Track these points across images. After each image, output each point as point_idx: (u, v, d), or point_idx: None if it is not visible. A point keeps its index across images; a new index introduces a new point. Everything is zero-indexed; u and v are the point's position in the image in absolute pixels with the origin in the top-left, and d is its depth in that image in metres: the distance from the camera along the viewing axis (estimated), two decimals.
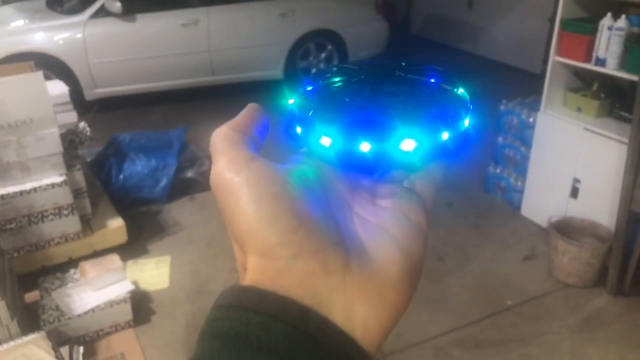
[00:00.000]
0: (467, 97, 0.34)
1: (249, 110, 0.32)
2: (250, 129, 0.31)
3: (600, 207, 2.69)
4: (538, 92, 3.60)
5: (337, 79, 0.35)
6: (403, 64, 0.36)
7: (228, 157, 0.29)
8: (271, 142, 0.35)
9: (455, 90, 0.34)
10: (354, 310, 0.26)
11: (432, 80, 0.35)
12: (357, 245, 0.28)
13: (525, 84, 5.44)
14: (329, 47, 5.41)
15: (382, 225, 0.29)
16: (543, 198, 3.07)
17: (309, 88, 0.35)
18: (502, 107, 3.38)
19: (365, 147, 0.30)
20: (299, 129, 0.32)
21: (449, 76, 0.35)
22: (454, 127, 0.31)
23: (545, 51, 5.81)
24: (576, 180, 2.82)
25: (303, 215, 0.27)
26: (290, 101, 0.34)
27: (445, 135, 0.31)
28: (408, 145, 0.30)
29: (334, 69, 0.36)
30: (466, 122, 0.32)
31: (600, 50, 2.58)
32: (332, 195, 0.30)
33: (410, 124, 0.30)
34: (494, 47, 6.50)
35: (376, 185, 0.32)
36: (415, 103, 0.32)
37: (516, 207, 3.31)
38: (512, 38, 6.23)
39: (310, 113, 0.32)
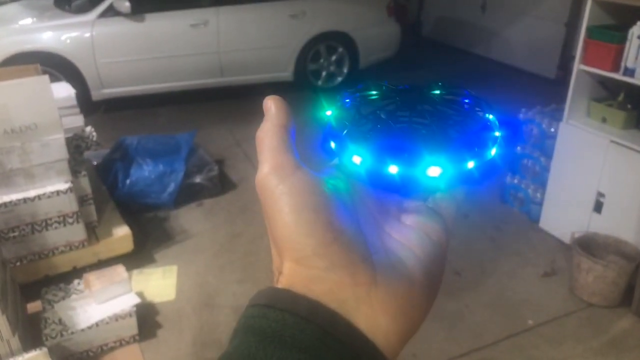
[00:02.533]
0: (497, 124, 0.35)
1: (280, 103, 0.32)
2: (290, 121, 0.32)
3: (626, 223, 2.58)
4: (555, 99, 3.49)
5: (374, 97, 0.36)
6: (439, 84, 0.36)
7: (274, 162, 0.30)
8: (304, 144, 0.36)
9: (486, 116, 0.35)
10: (377, 321, 0.28)
11: (465, 104, 0.35)
12: (383, 261, 0.30)
13: (539, 90, 5.33)
14: (340, 49, 5.31)
15: (406, 244, 0.31)
16: (564, 212, 2.96)
17: (347, 101, 0.36)
18: (521, 116, 3.28)
19: (393, 169, 0.31)
20: (333, 144, 0.33)
21: (481, 101, 0.36)
22: (480, 156, 0.32)
23: (561, 57, 5.69)
24: (600, 195, 2.71)
25: (338, 229, 0.29)
26: (328, 112, 0.35)
27: (471, 164, 0.32)
28: (434, 171, 0.31)
29: (372, 86, 0.37)
30: (493, 151, 0.33)
31: (629, 60, 2.46)
32: (361, 210, 0.32)
33: (438, 152, 0.31)
34: (507, 52, 6.38)
35: (402, 202, 0.34)
36: (445, 129, 0.33)
37: (534, 219, 3.19)
38: (526, 42, 6.11)
39: (345, 132, 0.33)
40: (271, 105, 0.32)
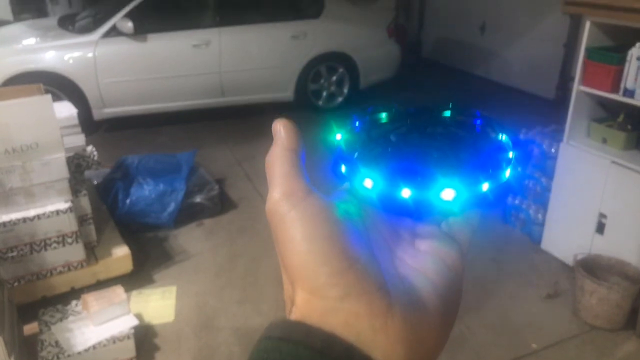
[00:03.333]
0: (510, 144, 0.34)
1: (289, 126, 0.31)
2: (300, 145, 0.31)
3: (629, 244, 2.56)
4: (554, 119, 3.50)
5: (384, 119, 0.36)
6: (449, 105, 0.36)
7: (285, 188, 0.29)
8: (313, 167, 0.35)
9: (499, 137, 0.34)
10: (394, 352, 0.27)
11: (477, 126, 0.35)
12: (399, 289, 0.29)
13: (539, 110, 5.36)
14: (340, 69, 5.35)
15: (421, 270, 0.30)
16: (566, 233, 2.94)
17: (357, 124, 0.35)
18: (521, 136, 3.28)
19: (406, 193, 0.31)
20: (343, 168, 0.33)
21: (493, 122, 0.35)
22: (495, 178, 0.31)
23: (560, 77, 5.73)
24: (602, 216, 2.70)
25: (352, 257, 0.28)
26: (338, 136, 0.34)
27: (485, 187, 0.31)
28: (448, 194, 0.30)
29: (382, 109, 0.36)
30: (507, 172, 0.32)
31: (628, 81, 2.48)
32: (374, 236, 0.31)
33: (451, 174, 0.30)
34: (506, 72, 6.43)
35: (415, 226, 0.33)
36: (458, 151, 0.32)
37: (536, 240, 3.18)
38: (525, 63, 6.16)
39: (356, 155, 0.32)
40: (280, 128, 0.31)
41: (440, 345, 0.29)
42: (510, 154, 0.33)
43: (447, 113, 0.36)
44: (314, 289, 0.27)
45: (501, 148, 0.33)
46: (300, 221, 0.28)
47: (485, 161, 0.32)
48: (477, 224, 0.34)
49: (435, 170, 0.31)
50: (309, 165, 0.32)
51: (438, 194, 0.30)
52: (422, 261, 0.31)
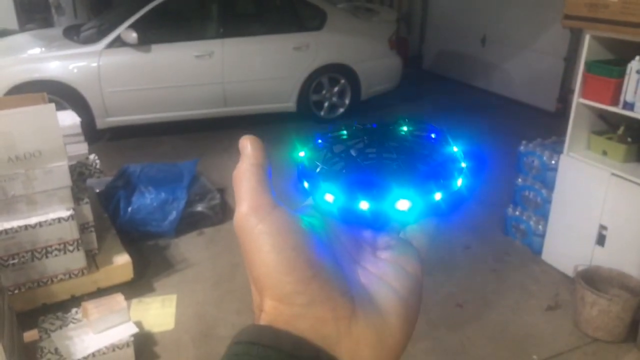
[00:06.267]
0: (462, 155, 0.36)
1: (256, 143, 0.33)
2: (266, 161, 0.32)
3: (630, 256, 2.56)
4: (556, 131, 3.52)
5: (345, 136, 0.37)
6: (406, 120, 0.38)
7: (252, 202, 0.30)
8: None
9: (451, 148, 0.36)
10: (359, 353, 0.29)
11: (431, 138, 0.37)
12: (362, 295, 0.30)
13: (540, 123, 5.38)
14: (342, 81, 5.39)
15: (382, 277, 0.32)
16: (566, 244, 2.94)
17: (319, 141, 0.37)
18: (522, 148, 3.29)
19: (364, 205, 0.32)
20: (306, 184, 0.35)
21: (446, 135, 0.37)
22: (446, 187, 0.33)
23: (561, 90, 5.76)
24: (603, 227, 2.70)
25: (317, 265, 0.29)
26: (301, 154, 0.36)
27: (438, 196, 0.33)
28: (403, 205, 0.32)
29: (343, 126, 0.38)
30: (459, 182, 0.34)
31: (628, 94, 2.49)
32: (337, 247, 0.33)
33: (405, 185, 0.32)
34: (507, 85, 6.46)
35: (375, 237, 0.35)
36: (412, 163, 0.34)
37: (536, 251, 3.17)
38: (526, 76, 6.20)
39: (317, 171, 0.34)
40: (247, 144, 0.33)
41: (402, 346, 0.31)
42: (463, 164, 0.35)
43: (404, 127, 0.38)
44: (281, 297, 0.28)
45: (453, 159, 0.35)
46: (267, 234, 0.29)
47: (438, 172, 0.34)
48: (433, 231, 0.36)
49: (390, 183, 0.32)
50: (276, 179, 0.33)
51: (393, 204, 0.32)
52: (383, 269, 0.33)
